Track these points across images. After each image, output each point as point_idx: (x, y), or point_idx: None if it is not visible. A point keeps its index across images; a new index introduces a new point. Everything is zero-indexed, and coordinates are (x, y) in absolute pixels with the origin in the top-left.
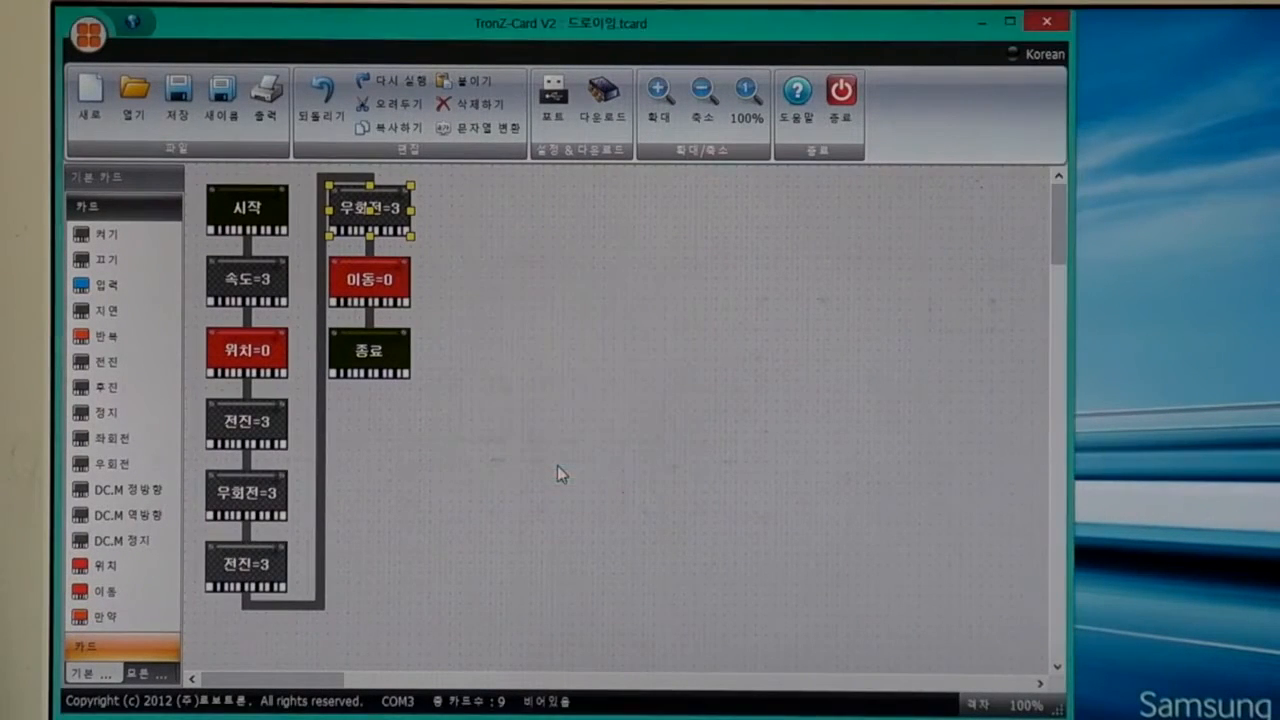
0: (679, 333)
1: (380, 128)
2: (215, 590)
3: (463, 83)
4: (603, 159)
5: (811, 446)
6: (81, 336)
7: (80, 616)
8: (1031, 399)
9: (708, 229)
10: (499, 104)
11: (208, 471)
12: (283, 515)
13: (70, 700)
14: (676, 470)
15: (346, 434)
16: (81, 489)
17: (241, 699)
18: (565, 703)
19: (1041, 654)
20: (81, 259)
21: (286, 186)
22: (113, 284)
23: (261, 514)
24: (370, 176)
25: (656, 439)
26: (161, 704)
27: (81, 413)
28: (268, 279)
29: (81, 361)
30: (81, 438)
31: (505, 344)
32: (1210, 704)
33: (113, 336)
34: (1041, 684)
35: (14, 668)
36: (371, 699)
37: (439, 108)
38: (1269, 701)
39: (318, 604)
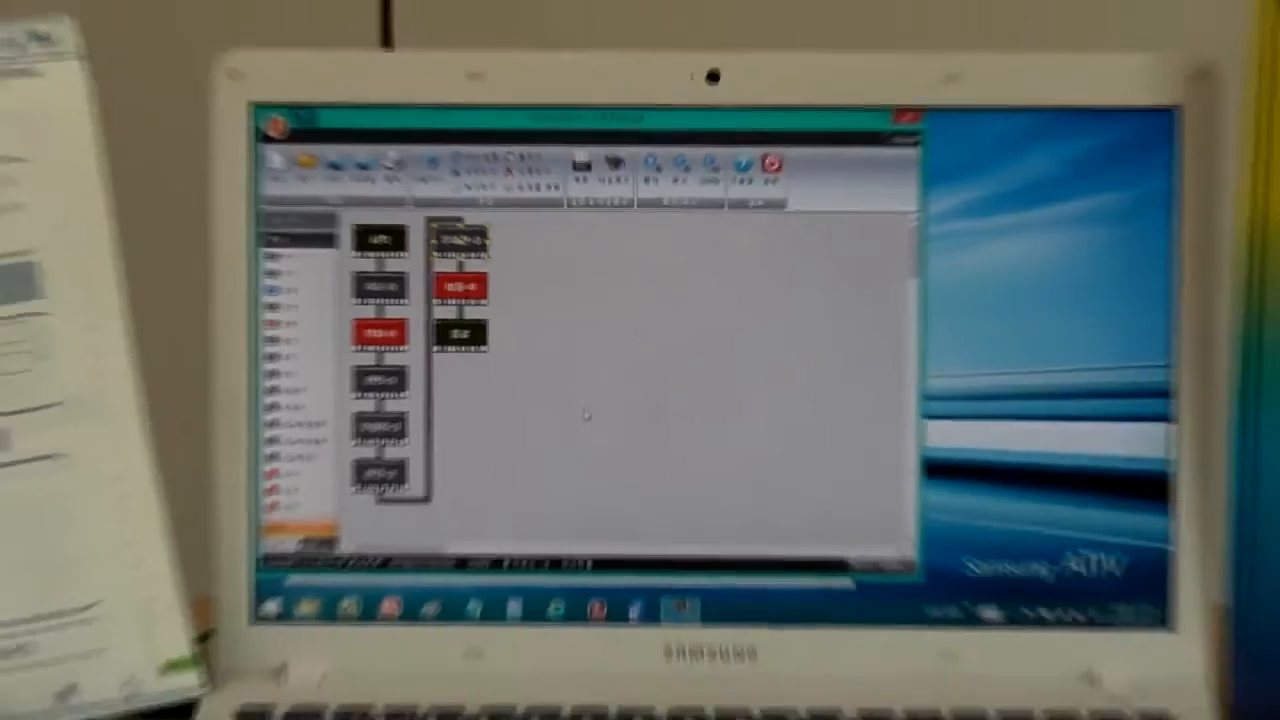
0: (663, 320)
1: (468, 187)
2: (358, 491)
3: (521, 157)
4: (613, 207)
5: (749, 398)
6: (272, 325)
7: (271, 508)
8: (896, 364)
9: (682, 251)
10: (545, 171)
11: (353, 413)
12: (404, 442)
13: (265, 563)
14: (664, 412)
15: (445, 388)
16: (272, 424)
17: (377, 562)
18: (589, 564)
19: (902, 532)
20: (272, 274)
21: (406, 225)
22: (291, 290)
23: (389, 441)
24: (461, 219)
25: (650, 392)
26: (324, 566)
27: (272, 375)
28: (394, 286)
29: (272, 340)
30: (272, 390)
31: (550, 329)
32: (1010, 565)
33: (291, 324)
34: (901, 551)
35: (232, 543)
36: (461, 561)
37: (506, 174)
38: (1046, 564)
39: (426, 500)
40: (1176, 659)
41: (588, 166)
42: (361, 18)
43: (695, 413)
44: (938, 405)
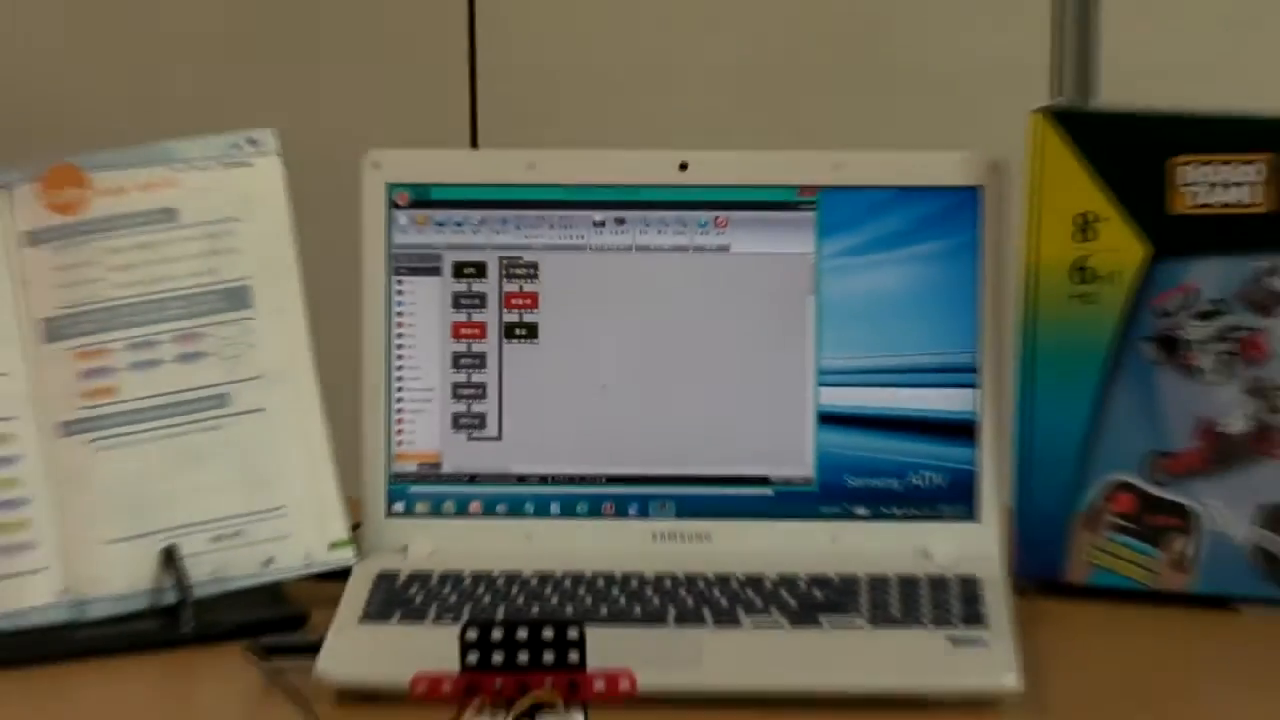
0: (652, 323)
1: (526, 236)
2: (454, 433)
3: (560, 217)
4: (619, 250)
5: (708, 373)
6: (399, 325)
7: (399, 444)
8: (801, 350)
9: (663, 278)
10: (575, 226)
11: (452, 382)
12: (484, 401)
13: (394, 479)
14: (653, 383)
15: (511, 366)
16: (400, 390)
17: (466, 478)
18: (604, 479)
19: (804, 459)
20: (399, 293)
21: (486, 261)
22: (411, 303)
23: (474, 400)
24: (520, 257)
25: (644, 371)
26: (432, 481)
27: (399, 357)
28: (477, 301)
29: (399, 335)
30: (399, 368)
31: (579, 329)
32: (873, 480)
33: (412, 325)
34: (803, 471)
35: (374, 466)
36: (521, 478)
37: (550, 228)
38: (897, 479)
39: (499, 439)
40: (981, 541)
41: (603, 223)
42: (456, 124)
43: (673, 383)
44: (828, 377)
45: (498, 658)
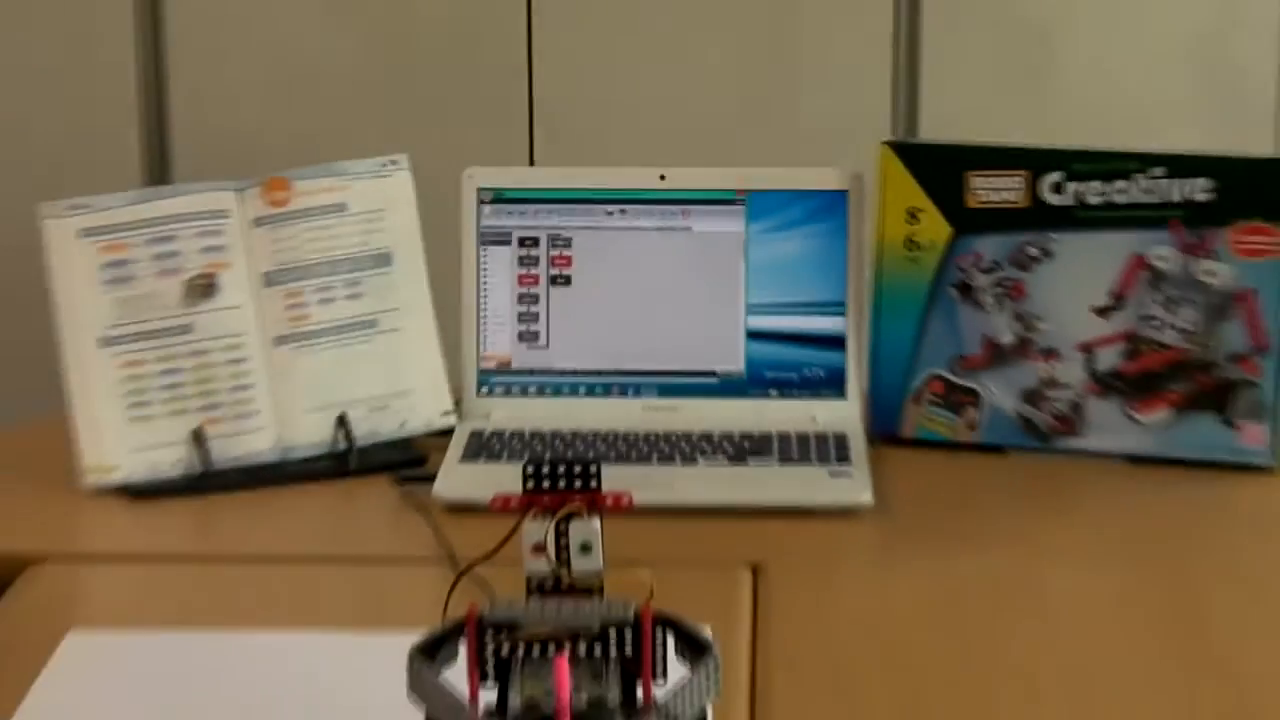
0: (643, 275)
1: (563, 221)
2: (519, 343)
3: (586, 208)
4: (622, 230)
5: (678, 306)
6: (483, 277)
7: (482, 350)
8: (736, 294)
9: (650, 249)
10: (595, 214)
11: (517, 312)
12: (537, 324)
13: (480, 372)
14: (646, 312)
15: (555, 302)
16: (483, 317)
17: (527, 372)
18: (613, 373)
19: (737, 359)
20: (483, 256)
21: (539, 237)
22: (493, 262)
23: (531, 323)
24: (560, 234)
25: (642, 303)
26: (504, 373)
27: (482, 298)
28: (534, 260)
29: (483, 284)
30: (483, 305)
31: (597, 280)
32: (780, 372)
33: (491, 277)
34: (737, 367)
35: (469, 363)
36: (562, 371)
37: (579, 215)
38: (795, 372)
39: (547, 347)
40: (848, 411)
41: (612, 213)
42: (518, 147)
43: (656, 313)
44: (753, 309)
45: (546, 484)
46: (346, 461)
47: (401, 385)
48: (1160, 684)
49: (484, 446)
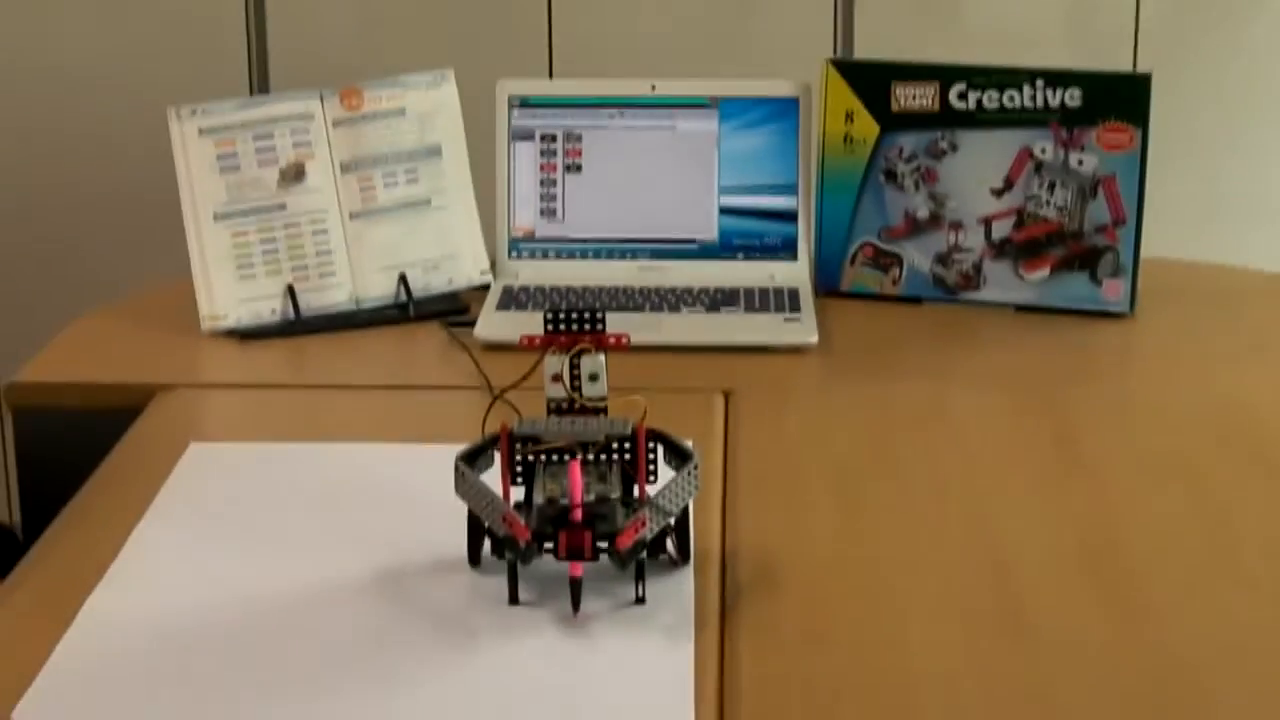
0: (640, 157)
1: (577, 121)
2: (540, 217)
3: (594, 110)
4: (623, 130)
5: (672, 180)
6: (511, 166)
7: (513, 223)
8: (711, 177)
9: (645, 142)
10: (600, 117)
11: (539, 193)
12: (555, 202)
13: (511, 241)
14: (645, 185)
15: (569, 185)
16: (510, 197)
17: (548, 240)
18: (619, 240)
19: (711, 228)
20: (512, 150)
21: (557, 133)
22: (520, 155)
23: (549, 202)
24: (574, 131)
25: (643, 179)
26: (529, 241)
27: (511, 182)
28: (552, 152)
29: (511, 171)
30: (511, 186)
31: (602, 166)
32: (747, 239)
33: (518, 166)
34: (711, 236)
35: (502, 233)
36: (575, 240)
37: (588, 117)
38: (758, 240)
39: (564, 221)
40: (799, 270)
41: (614, 115)
42: (538, 60)
43: (649, 192)
44: (725, 190)
45: (562, 327)
46: (406, 310)
47: (449, 250)
48: (1039, 481)
49: (514, 298)
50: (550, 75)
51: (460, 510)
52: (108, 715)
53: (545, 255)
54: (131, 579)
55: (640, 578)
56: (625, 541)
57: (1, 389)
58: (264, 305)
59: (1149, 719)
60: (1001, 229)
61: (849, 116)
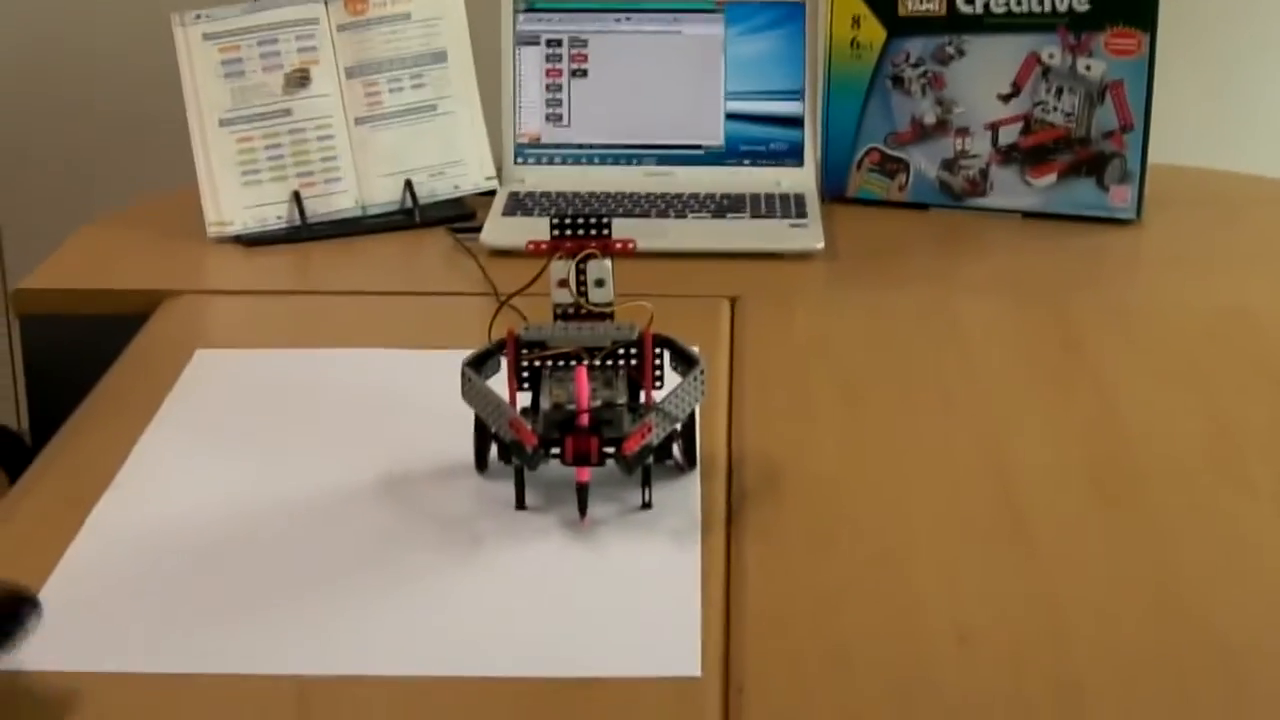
0: (647, 62)
1: (580, 26)
2: (547, 122)
3: (598, 15)
4: (628, 34)
5: (680, 89)
6: (517, 70)
7: (520, 129)
8: (717, 82)
9: (650, 48)
10: (605, 21)
11: (545, 98)
12: (560, 107)
13: (517, 147)
14: (648, 92)
15: (576, 87)
16: (518, 102)
17: (554, 146)
18: (628, 147)
19: (717, 134)
20: (518, 55)
21: (563, 38)
22: (526, 61)
23: (555, 107)
24: (579, 36)
25: (647, 84)
26: (534, 147)
27: (517, 86)
28: (558, 57)
29: (518, 76)
30: (518, 91)
31: (606, 69)
32: (752, 145)
33: (524, 71)
34: (717, 140)
35: (508, 139)
36: (580, 145)
37: (593, 21)
38: (764, 145)
39: (569, 126)
40: (806, 176)
41: (619, 20)
42: None
43: (655, 97)
44: (730, 94)
45: (568, 232)
46: (412, 216)
47: (454, 156)
48: (1045, 387)
49: (520, 204)
50: None
51: (467, 416)
52: (115, 621)
53: (551, 161)
54: (138, 485)
55: (646, 483)
56: (631, 447)
57: (9, 295)
58: (269, 211)
59: (1151, 626)
60: (1008, 135)
61: (855, 21)
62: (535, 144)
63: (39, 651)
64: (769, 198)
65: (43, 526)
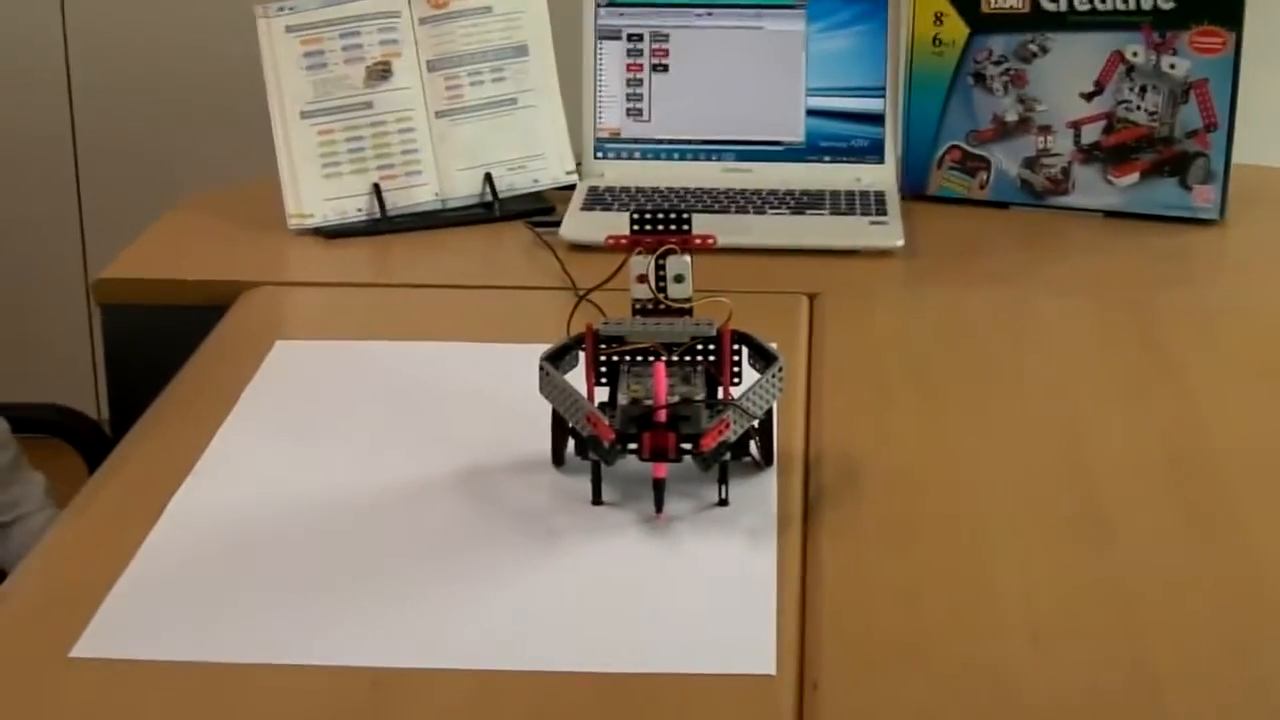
0: (728, 55)
1: (663, 22)
2: (627, 117)
3: (680, 11)
4: (710, 29)
5: (759, 82)
6: (599, 65)
7: (599, 124)
8: (798, 78)
9: (732, 43)
10: (688, 17)
11: (625, 92)
12: (642, 102)
13: (597, 142)
14: (731, 84)
15: (656, 82)
16: (599, 96)
17: (633, 140)
18: (705, 143)
19: (798, 131)
20: (600, 49)
21: (644, 33)
22: (606, 54)
23: (637, 101)
24: (661, 30)
25: (728, 79)
26: (614, 142)
27: (599, 79)
28: (639, 51)
29: (599, 71)
30: (599, 84)
31: (688, 64)
32: (832, 141)
33: (605, 65)
34: (798, 137)
35: (588, 134)
36: (660, 140)
37: (675, 18)
38: (845, 142)
39: (650, 121)
40: (886, 173)
41: (701, 15)
42: None
43: (736, 93)
44: (812, 91)
45: (648, 227)
46: (492, 210)
47: (534, 150)
48: (1125, 388)
49: (599, 199)
50: None
51: (544, 410)
52: (194, 609)
53: (631, 156)
54: (218, 475)
55: (723, 480)
56: (709, 443)
57: (91, 285)
58: (350, 204)
59: (1229, 630)
60: (1091, 133)
61: (938, 18)
62: (615, 139)
63: (121, 639)
64: (849, 194)
65: (122, 515)
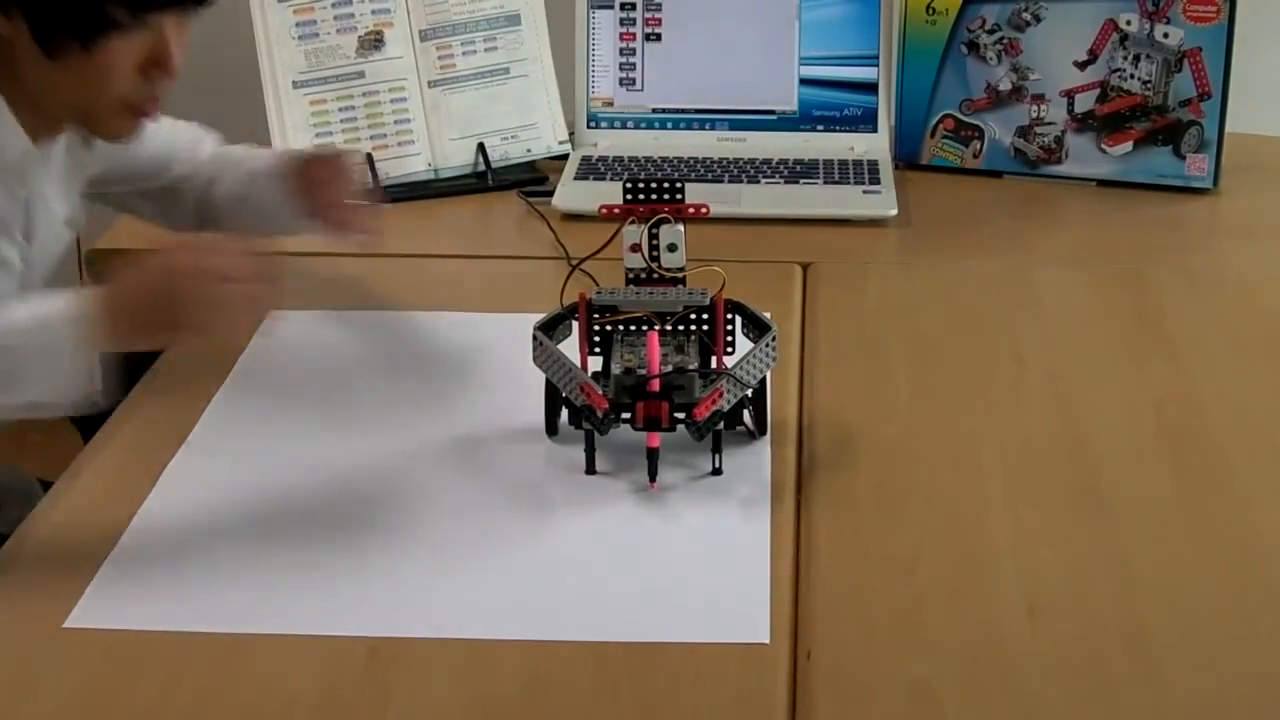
0: (721, 27)
1: None
2: (620, 86)
3: None
4: None
5: (758, 57)
6: (591, 33)
7: (591, 93)
8: (792, 46)
9: (724, 12)
10: None
11: (618, 62)
12: (634, 71)
13: (590, 111)
14: (725, 53)
15: (649, 52)
16: (590, 65)
17: (626, 110)
18: (696, 111)
19: (791, 99)
20: (592, 18)
21: (636, 3)
22: (598, 24)
23: (629, 70)
24: (654, 2)
25: (722, 51)
26: (608, 110)
27: (591, 49)
28: (631, 20)
29: (593, 41)
30: (591, 53)
31: (682, 34)
32: (824, 111)
33: (597, 34)
34: (791, 106)
35: (581, 102)
36: (654, 109)
37: None
38: (837, 111)
39: (642, 90)
40: (879, 142)
41: None
42: None
43: (729, 62)
44: (804, 59)
45: (641, 197)
46: (484, 179)
47: (527, 120)
48: (1120, 357)
49: (592, 168)
50: None
51: (537, 380)
52: (188, 580)
53: (624, 125)
54: (211, 444)
55: (717, 449)
56: (702, 412)
57: (84, 256)
58: None
59: (1224, 596)
60: (1084, 102)
61: None
62: (608, 108)
63: (115, 610)
64: (842, 164)
65: (116, 485)
